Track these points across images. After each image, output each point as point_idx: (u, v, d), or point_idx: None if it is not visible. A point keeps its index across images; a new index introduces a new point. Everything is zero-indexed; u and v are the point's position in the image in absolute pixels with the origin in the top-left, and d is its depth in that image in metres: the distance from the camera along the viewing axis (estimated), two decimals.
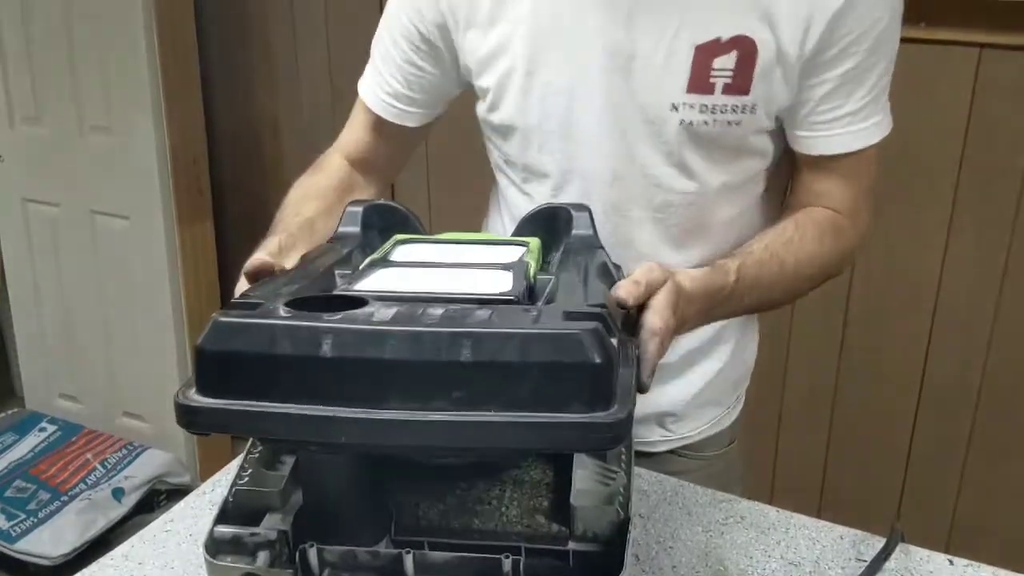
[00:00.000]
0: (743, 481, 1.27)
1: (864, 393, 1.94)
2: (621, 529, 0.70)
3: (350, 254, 0.84)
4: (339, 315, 0.62)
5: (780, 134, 1.00)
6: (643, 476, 1.05)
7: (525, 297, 0.71)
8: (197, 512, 1.03)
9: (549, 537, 0.72)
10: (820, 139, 0.98)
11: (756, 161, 1.01)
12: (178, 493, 2.36)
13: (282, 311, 0.63)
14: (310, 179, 1.09)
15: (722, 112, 0.93)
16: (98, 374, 2.64)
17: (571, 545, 0.70)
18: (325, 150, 1.16)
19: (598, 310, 0.64)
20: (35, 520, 2.30)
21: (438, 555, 0.67)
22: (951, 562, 0.94)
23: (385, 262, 0.81)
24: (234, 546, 0.70)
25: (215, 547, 0.70)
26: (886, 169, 1.79)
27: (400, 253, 0.85)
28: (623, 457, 0.76)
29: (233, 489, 0.73)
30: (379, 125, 1.12)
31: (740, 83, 0.92)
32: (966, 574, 0.92)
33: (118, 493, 2.40)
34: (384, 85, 1.09)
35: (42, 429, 2.61)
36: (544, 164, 1.02)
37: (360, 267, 0.80)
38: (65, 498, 2.36)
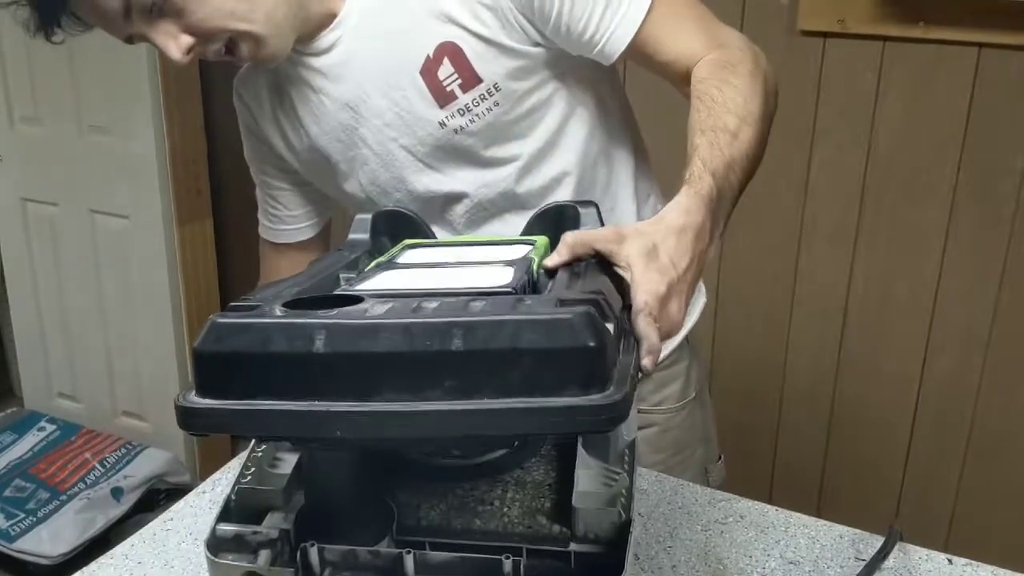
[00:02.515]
0: (706, 444, 1.27)
1: (863, 393, 1.94)
2: (622, 531, 0.70)
3: (357, 259, 0.85)
4: (333, 311, 0.62)
5: (552, 80, 1.03)
6: (643, 475, 1.05)
7: (526, 290, 0.71)
8: (197, 511, 1.03)
9: (550, 538, 0.72)
10: (612, 41, 0.98)
11: (553, 115, 1.04)
12: (177, 492, 2.36)
13: (278, 311, 0.63)
14: None
15: (476, 105, 1.00)
16: (97, 373, 2.63)
17: (572, 546, 0.70)
18: None
19: (592, 296, 0.64)
20: (34, 519, 2.30)
21: (438, 555, 0.67)
22: (950, 561, 0.94)
23: (390, 264, 0.81)
24: (236, 544, 0.70)
25: (217, 545, 0.70)
26: (884, 170, 1.80)
27: (407, 256, 0.85)
28: (626, 458, 0.76)
29: (236, 487, 0.73)
30: (286, 250, 1.24)
31: (468, 77, 0.99)
32: (965, 573, 0.92)
33: (117, 492, 2.40)
34: (277, 220, 1.24)
35: (41, 428, 2.61)
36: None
37: (365, 270, 0.81)
38: (64, 497, 2.36)
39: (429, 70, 0.99)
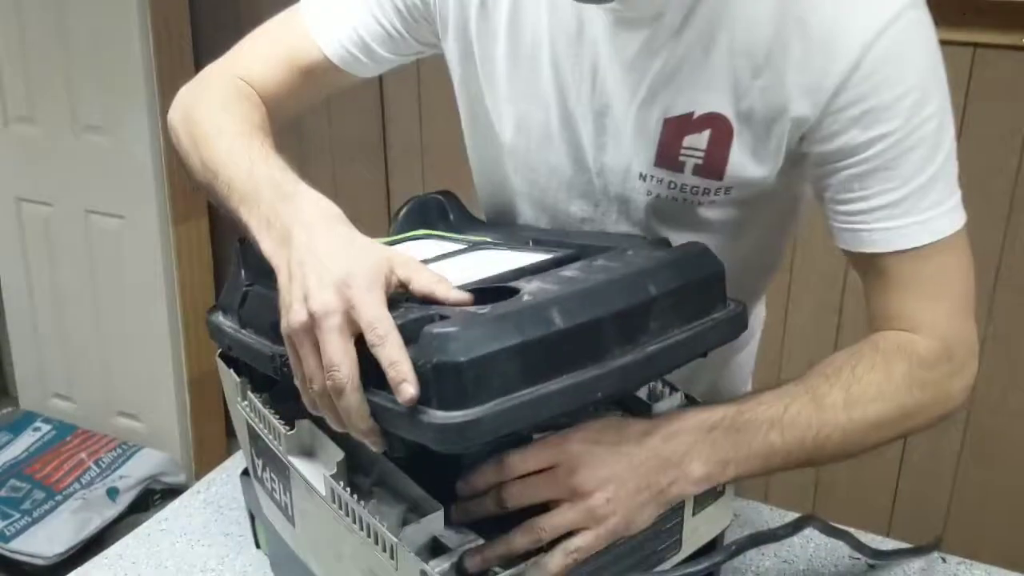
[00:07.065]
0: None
1: None
2: None
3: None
4: (526, 297, 0.67)
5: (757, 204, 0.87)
6: None
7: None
8: (191, 512, 1.02)
9: None
10: (847, 232, 0.81)
11: (726, 232, 0.89)
12: (173, 493, 2.35)
13: (480, 310, 0.65)
14: (237, 112, 0.91)
15: (693, 193, 0.84)
16: (92, 373, 2.63)
17: None
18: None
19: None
20: (30, 519, 2.30)
21: None
22: (944, 560, 0.94)
23: (476, 245, 0.87)
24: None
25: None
26: None
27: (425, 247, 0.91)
28: None
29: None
30: (317, 68, 0.94)
31: (712, 165, 0.81)
32: (959, 571, 0.92)
33: (112, 493, 2.40)
34: (351, 33, 0.92)
35: (36, 429, 2.61)
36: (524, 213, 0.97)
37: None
38: (59, 497, 2.36)
39: (679, 126, 0.81)
